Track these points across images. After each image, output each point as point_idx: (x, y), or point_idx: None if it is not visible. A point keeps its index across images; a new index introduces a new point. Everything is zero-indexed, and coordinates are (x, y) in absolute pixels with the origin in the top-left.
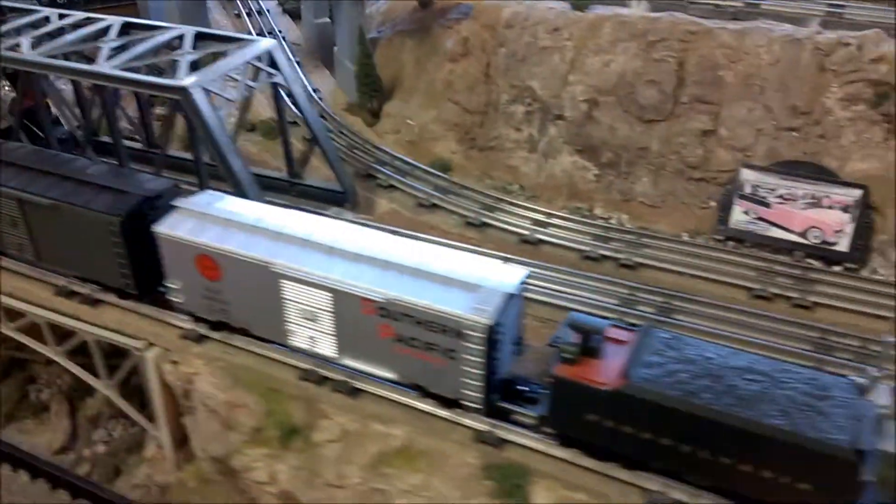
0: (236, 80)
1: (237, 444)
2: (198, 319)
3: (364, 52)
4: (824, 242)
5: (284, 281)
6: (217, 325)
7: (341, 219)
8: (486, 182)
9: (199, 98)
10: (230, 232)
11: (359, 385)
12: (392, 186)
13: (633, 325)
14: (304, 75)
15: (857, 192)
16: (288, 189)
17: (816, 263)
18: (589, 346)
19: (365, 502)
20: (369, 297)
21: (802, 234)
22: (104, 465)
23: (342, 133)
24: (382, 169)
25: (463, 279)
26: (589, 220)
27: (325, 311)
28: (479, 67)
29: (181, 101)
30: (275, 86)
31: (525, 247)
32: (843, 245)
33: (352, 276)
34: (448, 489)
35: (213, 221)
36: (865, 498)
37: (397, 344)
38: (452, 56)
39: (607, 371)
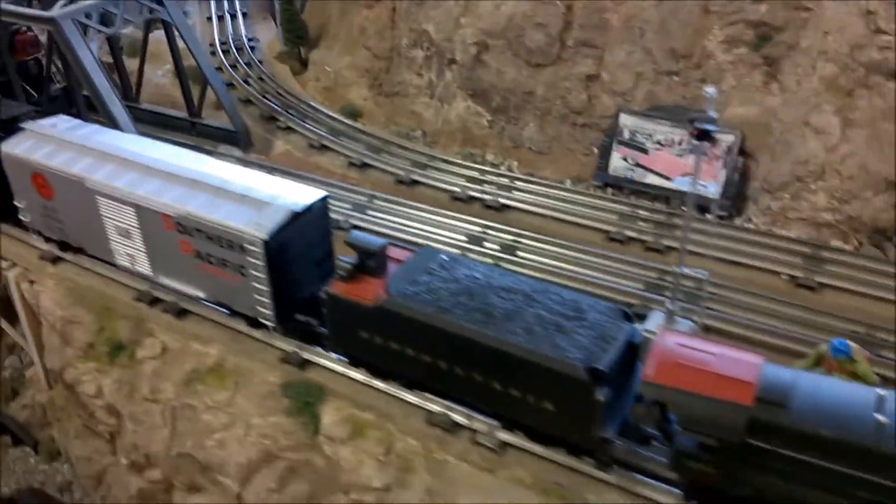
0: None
1: (71, 359)
2: (50, 240)
3: (286, 1)
4: (702, 188)
5: (99, 197)
6: (75, 248)
7: (218, 155)
8: (392, 128)
9: (70, 30)
10: (60, 151)
11: (186, 306)
12: (290, 129)
13: (418, 246)
14: (247, 26)
15: (731, 138)
16: (188, 129)
17: (705, 217)
18: (366, 264)
19: (175, 417)
20: (166, 212)
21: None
22: (5, 388)
23: (261, 79)
24: (285, 112)
25: (257, 198)
26: (469, 164)
27: (134, 227)
28: (387, 12)
29: (52, 32)
30: (162, 23)
31: (400, 187)
32: (715, 192)
33: (155, 193)
34: (249, 406)
35: (49, 141)
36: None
37: (197, 260)
38: (367, 2)
39: (376, 288)
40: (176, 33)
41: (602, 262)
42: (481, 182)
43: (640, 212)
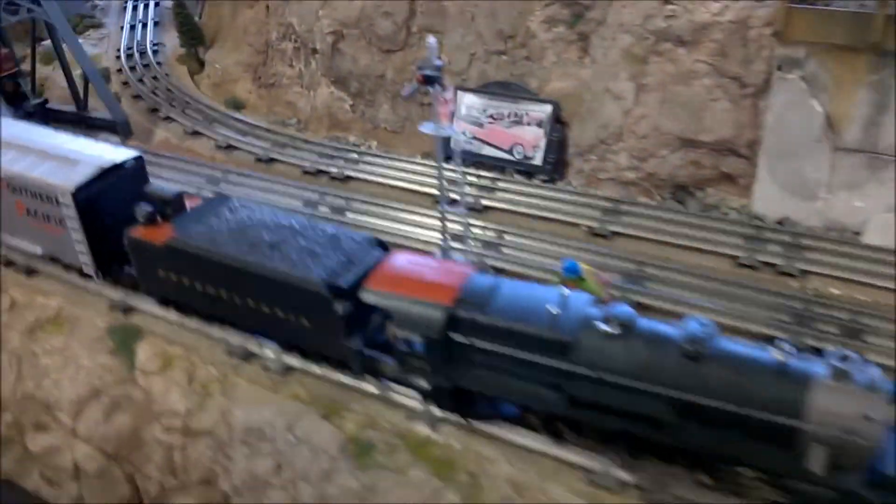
0: None
1: None
2: None
3: (178, 4)
4: (525, 157)
5: None
6: None
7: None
8: (271, 118)
9: None
10: None
11: (35, 266)
12: (169, 118)
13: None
14: (155, 31)
15: (549, 108)
16: (77, 122)
17: (521, 178)
18: (163, 211)
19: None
20: (2, 176)
21: (509, 151)
22: None
23: (154, 78)
24: (168, 105)
25: (74, 157)
26: (325, 143)
27: None
28: (263, 9)
29: None
30: (45, 23)
31: (259, 164)
32: (538, 159)
33: None
34: (80, 349)
35: None
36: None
37: (30, 218)
38: (250, 2)
39: (169, 231)
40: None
41: (419, 219)
42: (332, 157)
43: (469, 178)
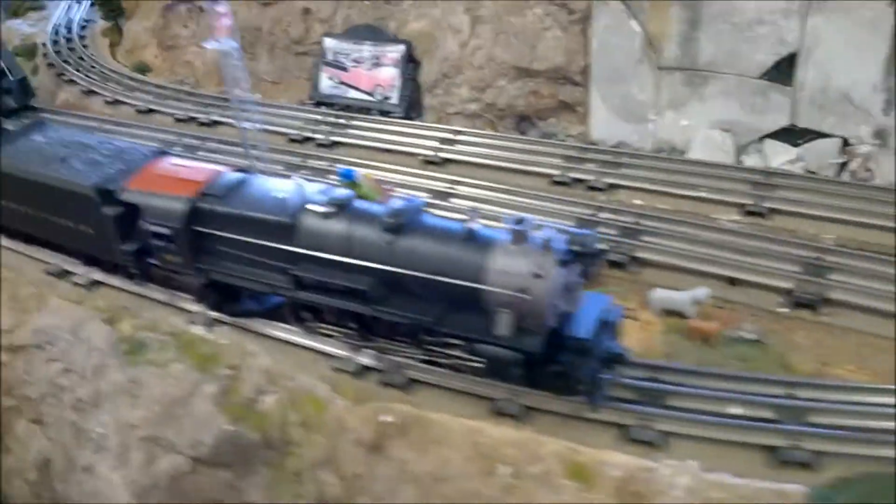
0: None
1: None
2: None
3: None
4: (385, 98)
5: None
6: None
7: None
8: (172, 77)
9: None
10: None
11: None
12: (71, 81)
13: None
14: (89, 10)
15: (402, 48)
16: None
17: (377, 117)
18: None
19: None
20: None
21: (371, 94)
22: None
23: (71, 49)
24: (74, 70)
25: None
26: (201, 94)
27: None
28: None
29: None
30: None
31: (139, 115)
32: (395, 98)
33: None
34: None
35: None
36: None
37: None
38: None
39: None
40: None
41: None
42: (206, 106)
43: (329, 118)
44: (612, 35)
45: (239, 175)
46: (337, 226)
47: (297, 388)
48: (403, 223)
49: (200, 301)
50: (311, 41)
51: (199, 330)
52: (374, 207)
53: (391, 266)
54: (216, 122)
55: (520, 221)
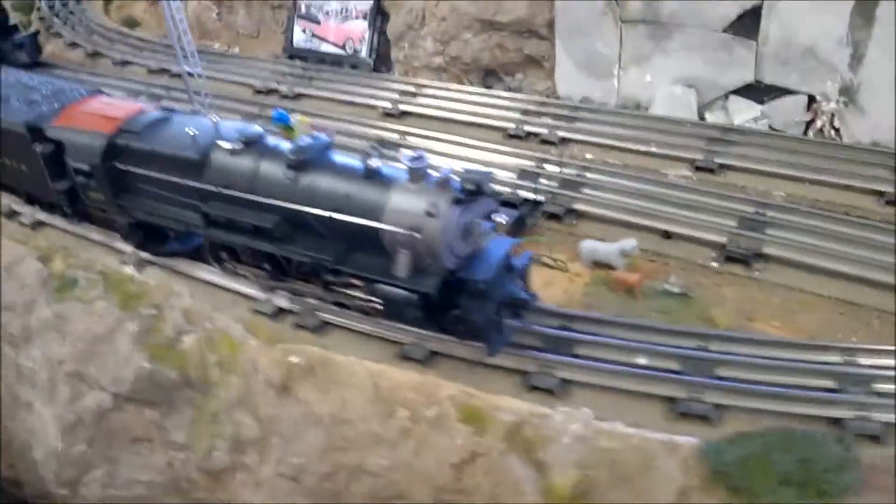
0: None
1: None
2: None
3: None
4: (355, 51)
5: None
6: None
7: None
8: (158, 32)
9: None
10: None
11: None
12: (58, 34)
13: None
14: None
15: (370, 1)
16: None
17: (350, 70)
18: None
19: None
20: None
21: (342, 47)
22: None
23: (71, 13)
24: (63, 25)
25: None
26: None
27: None
28: None
29: None
30: None
31: (115, 67)
32: (364, 52)
33: None
34: None
35: None
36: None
37: None
38: None
39: None
40: None
41: (238, 106)
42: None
43: (296, 71)
44: None
45: (162, 113)
46: (244, 163)
47: (214, 329)
48: (307, 160)
49: (126, 240)
50: None
51: (129, 270)
52: (282, 145)
53: (293, 204)
54: (189, 75)
55: (417, 158)
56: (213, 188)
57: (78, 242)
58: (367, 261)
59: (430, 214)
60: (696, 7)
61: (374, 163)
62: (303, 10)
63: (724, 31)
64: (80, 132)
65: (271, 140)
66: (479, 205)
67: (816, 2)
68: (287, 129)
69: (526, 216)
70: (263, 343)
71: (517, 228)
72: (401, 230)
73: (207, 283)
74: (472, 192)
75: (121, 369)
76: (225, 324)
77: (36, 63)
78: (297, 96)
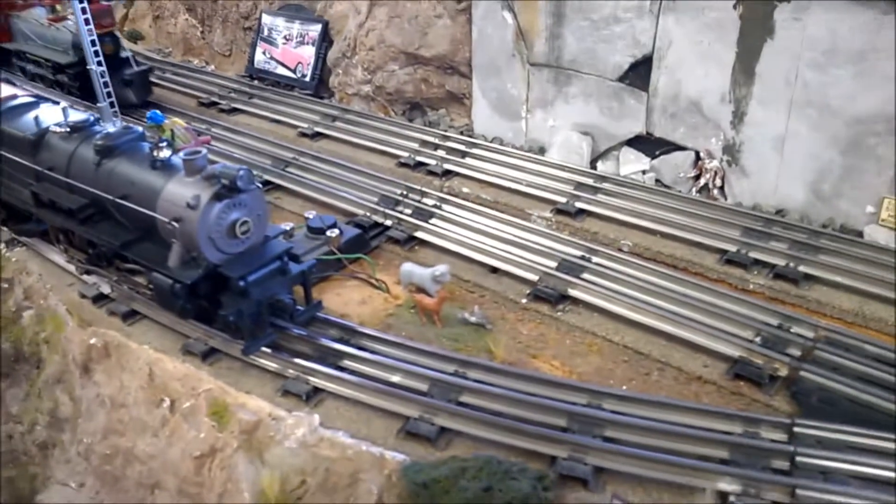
0: None
1: None
2: None
3: None
4: (303, 76)
5: None
6: None
7: None
8: (154, 46)
9: None
10: None
11: None
12: None
13: None
14: None
15: (320, 27)
16: None
17: (288, 91)
18: None
19: None
20: None
21: (294, 70)
22: None
23: None
24: None
25: None
26: (168, 63)
27: None
28: None
29: None
30: None
31: None
32: (309, 76)
33: None
34: None
35: None
36: None
37: None
38: None
39: None
40: None
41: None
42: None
43: (242, 88)
44: (489, 25)
45: (32, 98)
46: (67, 146)
47: (46, 308)
48: (112, 146)
49: None
50: (255, 17)
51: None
52: (101, 131)
53: (94, 188)
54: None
55: (195, 152)
56: (40, 169)
57: None
58: (150, 249)
59: (189, 206)
60: (592, 54)
61: (163, 154)
62: (265, 32)
63: (619, 80)
64: None
65: (98, 127)
66: (254, 202)
67: (700, 55)
68: (160, 130)
69: (369, 237)
70: (78, 325)
71: (355, 247)
72: (166, 220)
73: (56, 264)
74: (231, 188)
75: None
76: (55, 303)
77: (146, 103)
78: (233, 111)
